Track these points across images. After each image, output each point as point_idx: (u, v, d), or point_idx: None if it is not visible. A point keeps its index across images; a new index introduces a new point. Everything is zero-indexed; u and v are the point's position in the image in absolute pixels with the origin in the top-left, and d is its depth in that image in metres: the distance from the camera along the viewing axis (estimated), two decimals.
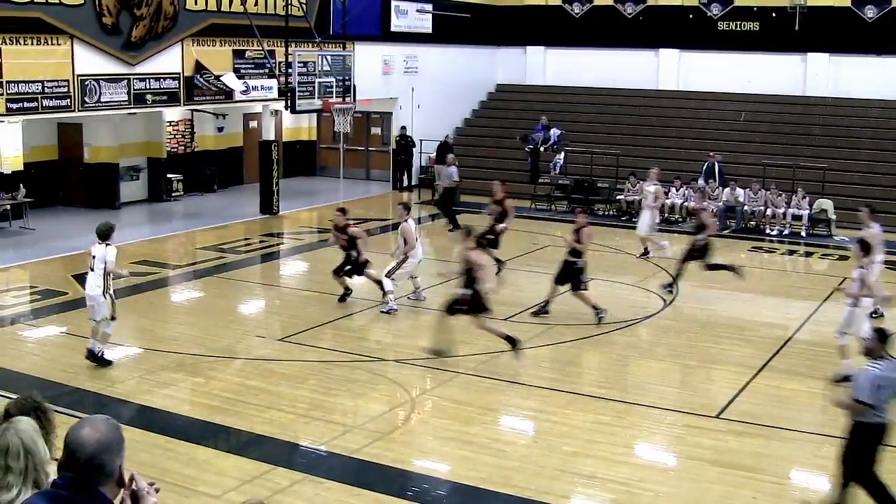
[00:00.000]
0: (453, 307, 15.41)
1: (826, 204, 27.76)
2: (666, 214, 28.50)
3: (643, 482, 11.11)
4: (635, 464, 11.48)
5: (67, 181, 28.79)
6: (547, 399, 13.88)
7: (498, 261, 20.65)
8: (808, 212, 27.42)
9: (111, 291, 14.60)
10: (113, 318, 14.69)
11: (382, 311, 18.16)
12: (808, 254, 25.52)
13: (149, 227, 27.12)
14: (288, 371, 14.86)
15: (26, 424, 5.15)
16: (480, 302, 15.10)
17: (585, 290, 17.90)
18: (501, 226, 20.92)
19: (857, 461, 9.87)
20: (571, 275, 17.85)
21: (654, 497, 10.83)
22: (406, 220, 18.54)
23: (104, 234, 14.50)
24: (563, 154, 32.29)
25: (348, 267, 18.89)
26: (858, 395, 9.70)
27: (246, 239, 25.52)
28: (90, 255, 14.64)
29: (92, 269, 14.52)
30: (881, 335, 10.06)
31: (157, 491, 4.35)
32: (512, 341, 15.15)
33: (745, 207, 27.94)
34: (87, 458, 4.12)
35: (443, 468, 11.67)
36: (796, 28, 33.28)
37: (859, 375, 9.90)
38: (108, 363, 14.80)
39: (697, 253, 19.89)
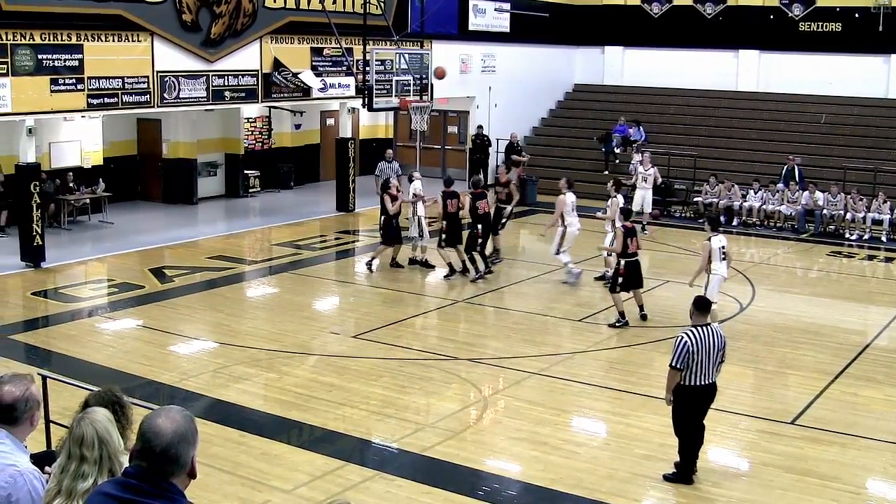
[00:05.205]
0: None
1: None
2: (744, 217, 28.19)
3: (716, 487, 11.00)
4: (708, 468, 11.33)
5: (146, 176, 29.19)
6: (620, 401, 13.79)
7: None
8: (889, 216, 26.86)
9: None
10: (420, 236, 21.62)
11: None
12: (889, 259, 24.96)
13: (225, 222, 27.46)
14: (361, 368, 14.93)
15: (101, 415, 5.20)
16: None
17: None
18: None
19: None
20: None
21: (727, 502, 10.71)
22: None
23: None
24: (640, 155, 31.97)
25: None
26: None
27: (321, 236, 25.70)
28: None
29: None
30: None
31: None
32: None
33: (825, 211, 27.50)
34: (161, 448, 4.10)
35: (514, 468, 11.64)
36: (880, 29, 32.73)
37: None
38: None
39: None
